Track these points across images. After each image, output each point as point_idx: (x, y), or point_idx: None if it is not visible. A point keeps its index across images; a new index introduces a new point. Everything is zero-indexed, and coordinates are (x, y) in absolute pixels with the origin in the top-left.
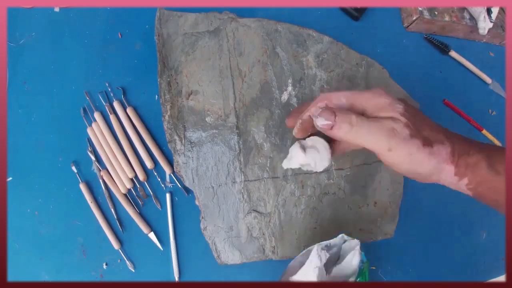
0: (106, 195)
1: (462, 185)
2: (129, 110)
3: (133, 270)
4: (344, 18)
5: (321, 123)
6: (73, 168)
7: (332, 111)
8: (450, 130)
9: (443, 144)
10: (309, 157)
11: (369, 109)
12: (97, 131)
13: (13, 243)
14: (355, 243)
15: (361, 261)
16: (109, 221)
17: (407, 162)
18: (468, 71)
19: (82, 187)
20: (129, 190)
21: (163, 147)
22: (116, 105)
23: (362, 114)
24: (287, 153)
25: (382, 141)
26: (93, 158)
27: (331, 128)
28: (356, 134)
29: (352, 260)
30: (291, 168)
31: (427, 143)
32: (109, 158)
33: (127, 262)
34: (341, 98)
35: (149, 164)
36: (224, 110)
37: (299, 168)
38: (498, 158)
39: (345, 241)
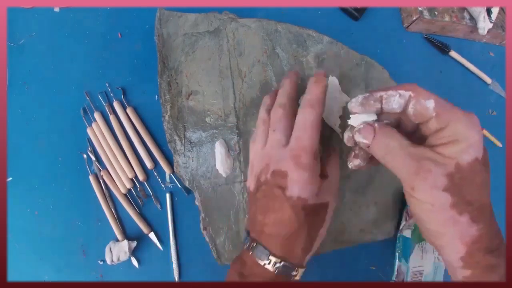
0: (106, 195)
1: (459, 273)
2: (129, 110)
3: (137, 267)
4: (344, 18)
5: (358, 139)
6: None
7: (373, 130)
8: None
9: (475, 222)
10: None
11: (446, 132)
12: (97, 131)
13: (13, 243)
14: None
15: None
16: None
17: (422, 210)
18: (468, 71)
19: (91, 178)
20: (129, 190)
21: (163, 147)
22: (116, 105)
23: (432, 130)
24: None
25: (410, 177)
26: (93, 158)
27: (368, 147)
28: (388, 161)
29: None
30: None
31: (460, 206)
32: (109, 158)
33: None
34: (431, 99)
35: (149, 164)
36: (224, 110)
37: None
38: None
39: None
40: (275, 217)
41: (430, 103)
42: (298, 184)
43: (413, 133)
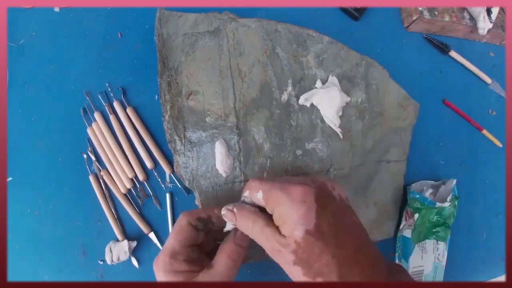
0: (106, 195)
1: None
2: (129, 110)
3: (137, 267)
4: (344, 18)
5: (227, 227)
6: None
7: (233, 214)
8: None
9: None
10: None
11: (276, 215)
12: (97, 131)
13: (13, 243)
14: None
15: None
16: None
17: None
18: (468, 71)
19: (91, 178)
20: (129, 190)
21: (163, 147)
22: (116, 105)
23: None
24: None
25: (270, 254)
26: (93, 158)
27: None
28: (254, 238)
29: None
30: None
31: (311, 274)
32: (109, 158)
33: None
34: (259, 191)
35: (149, 164)
36: (224, 110)
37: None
38: None
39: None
40: None
41: (260, 195)
42: (159, 279)
43: None
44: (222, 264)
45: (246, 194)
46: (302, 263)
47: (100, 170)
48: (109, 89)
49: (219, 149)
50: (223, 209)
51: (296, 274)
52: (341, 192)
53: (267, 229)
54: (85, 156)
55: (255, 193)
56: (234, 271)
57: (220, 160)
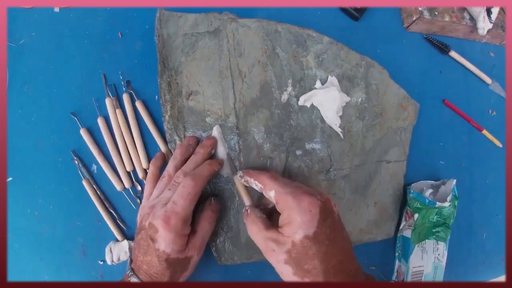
0: (102, 197)
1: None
2: (129, 110)
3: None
4: (344, 18)
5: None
6: (73, 167)
7: (247, 215)
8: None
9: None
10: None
11: (284, 215)
12: (102, 128)
13: (13, 243)
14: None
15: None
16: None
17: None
18: (468, 71)
19: (85, 183)
20: (128, 189)
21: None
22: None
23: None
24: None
25: (264, 254)
26: (77, 163)
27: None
28: (254, 240)
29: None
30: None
31: (300, 274)
32: (109, 158)
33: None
34: (272, 190)
35: (145, 164)
36: (224, 110)
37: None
38: None
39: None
40: (148, 259)
41: (272, 193)
42: (164, 241)
43: None
44: (204, 229)
45: (256, 185)
46: (293, 263)
47: (88, 174)
48: (108, 90)
49: (215, 133)
50: (244, 173)
51: (286, 273)
52: (337, 210)
53: (265, 231)
54: (76, 162)
55: (268, 191)
56: (212, 231)
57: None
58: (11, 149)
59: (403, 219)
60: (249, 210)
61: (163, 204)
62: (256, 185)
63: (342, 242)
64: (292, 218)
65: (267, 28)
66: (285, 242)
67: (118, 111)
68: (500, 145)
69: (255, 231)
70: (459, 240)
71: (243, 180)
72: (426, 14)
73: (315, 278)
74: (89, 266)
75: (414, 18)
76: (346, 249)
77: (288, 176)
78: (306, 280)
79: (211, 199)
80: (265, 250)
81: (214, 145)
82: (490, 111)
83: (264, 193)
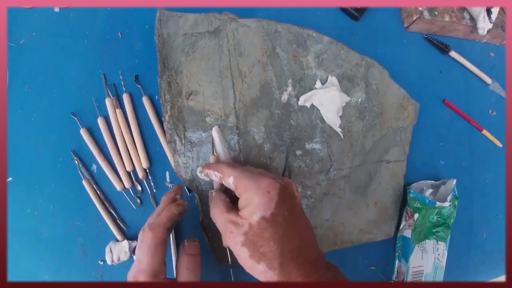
0: (103, 196)
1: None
2: (129, 110)
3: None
4: (344, 18)
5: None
6: (73, 167)
7: (211, 197)
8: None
9: (271, 269)
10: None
11: (242, 198)
12: (102, 128)
13: (13, 243)
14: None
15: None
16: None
17: (237, 257)
18: (468, 71)
19: (85, 183)
20: (128, 189)
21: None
22: (116, 104)
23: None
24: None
25: (223, 236)
26: (77, 163)
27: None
28: (215, 222)
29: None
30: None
31: (256, 257)
32: (108, 158)
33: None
34: (231, 177)
35: (148, 164)
36: (224, 110)
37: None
38: None
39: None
40: None
41: (231, 180)
42: None
43: None
44: (184, 276)
45: (216, 175)
46: (249, 245)
47: (88, 174)
48: (108, 90)
49: (215, 134)
50: (203, 167)
51: (242, 255)
52: (299, 197)
53: (226, 214)
54: (76, 162)
55: (226, 178)
56: (196, 277)
57: (218, 144)
58: (11, 149)
59: (403, 219)
60: (214, 193)
61: (135, 263)
62: (216, 175)
63: (302, 228)
64: (250, 200)
65: (267, 28)
66: (243, 224)
67: (118, 111)
68: (500, 145)
69: (217, 213)
70: (459, 240)
71: (203, 175)
72: (426, 14)
73: (271, 261)
74: (89, 266)
75: (414, 18)
76: (305, 236)
77: (288, 176)
78: (262, 263)
79: (184, 242)
80: (224, 232)
81: (178, 190)
82: (490, 111)
83: (224, 182)
